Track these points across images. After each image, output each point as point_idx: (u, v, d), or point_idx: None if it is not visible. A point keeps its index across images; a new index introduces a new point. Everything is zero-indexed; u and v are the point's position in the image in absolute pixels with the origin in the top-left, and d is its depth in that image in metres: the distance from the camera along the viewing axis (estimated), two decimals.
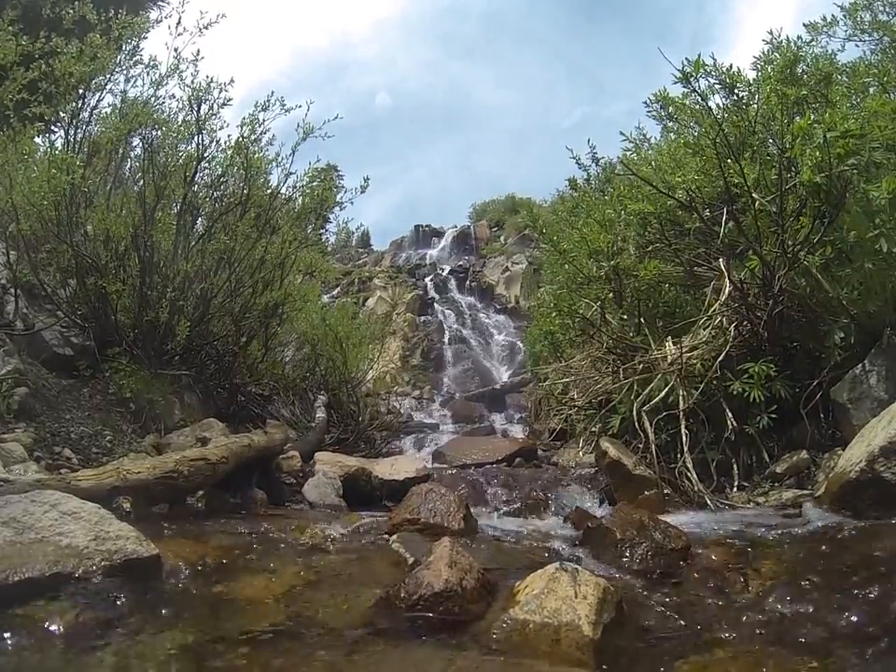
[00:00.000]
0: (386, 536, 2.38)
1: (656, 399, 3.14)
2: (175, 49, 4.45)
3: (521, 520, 2.99)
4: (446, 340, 11.56)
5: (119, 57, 4.56)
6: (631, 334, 3.73)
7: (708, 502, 2.79)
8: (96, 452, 3.36)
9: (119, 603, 1.53)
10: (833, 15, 4.45)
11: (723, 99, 3.43)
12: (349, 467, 3.69)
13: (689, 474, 2.92)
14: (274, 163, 5.07)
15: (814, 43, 3.91)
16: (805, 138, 2.83)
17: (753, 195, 3.09)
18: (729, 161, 3.15)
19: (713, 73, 3.26)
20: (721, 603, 1.67)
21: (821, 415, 2.98)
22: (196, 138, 4.52)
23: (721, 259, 3.28)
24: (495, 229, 17.25)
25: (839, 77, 3.63)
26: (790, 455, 2.97)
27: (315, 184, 5.25)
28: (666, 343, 3.34)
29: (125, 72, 4.65)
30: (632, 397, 3.36)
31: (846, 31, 4.47)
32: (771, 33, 3.80)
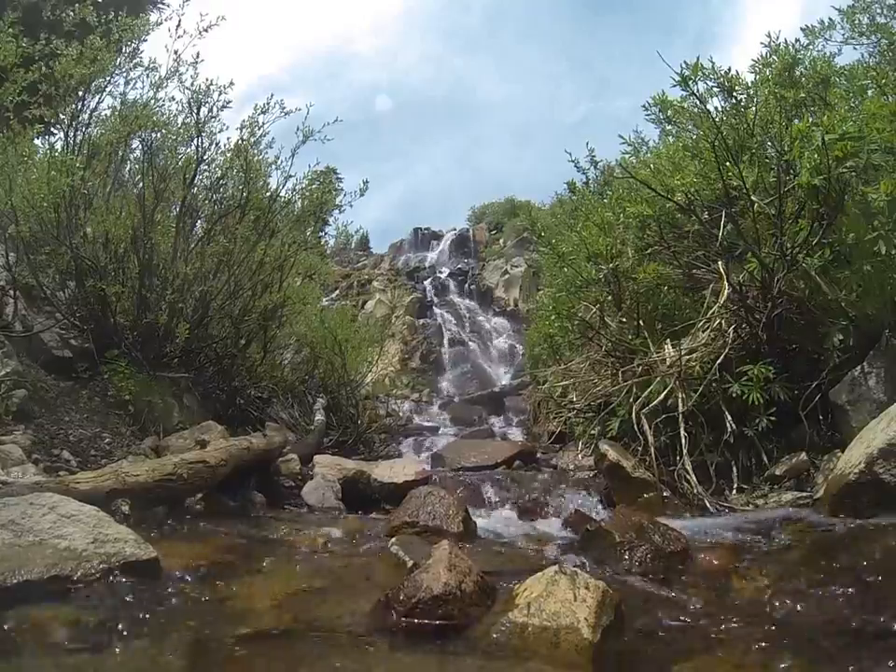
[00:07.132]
0: (385, 539, 2.37)
1: (655, 401, 3.14)
2: (175, 52, 4.47)
3: (520, 523, 2.98)
4: (445, 342, 11.54)
5: (118, 59, 4.57)
6: (630, 337, 3.73)
7: (708, 504, 2.79)
8: (95, 454, 3.35)
9: (117, 606, 1.53)
10: (830, 18, 4.46)
11: (722, 102, 3.45)
12: (348, 469, 3.69)
13: (688, 477, 2.92)
14: (274, 166, 5.08)
15: (812, 46, 3.91)
16: (804, 141, 2.84)
17: (752, 198, 3.09)
18: (728, 163, 3.15)
19: (711, 76, 3.26)
20: (720, 605, 1.67)
21: (820, 417, 2.98)
22: (195, 140, 4.53)
23: (719, 262, 3.28)
24: (494, 231, 17.23)
25: (837, 79, 3.63)
26: (789, 458, 2.97)
27: (314, 187, 5.26)
28: (665, 346, 3.34)
29: (125, 74, 4.66)
30: (631, 399, 3.36)
31: (843, 33, 4.47)
32: (769, 35, 3.80)
